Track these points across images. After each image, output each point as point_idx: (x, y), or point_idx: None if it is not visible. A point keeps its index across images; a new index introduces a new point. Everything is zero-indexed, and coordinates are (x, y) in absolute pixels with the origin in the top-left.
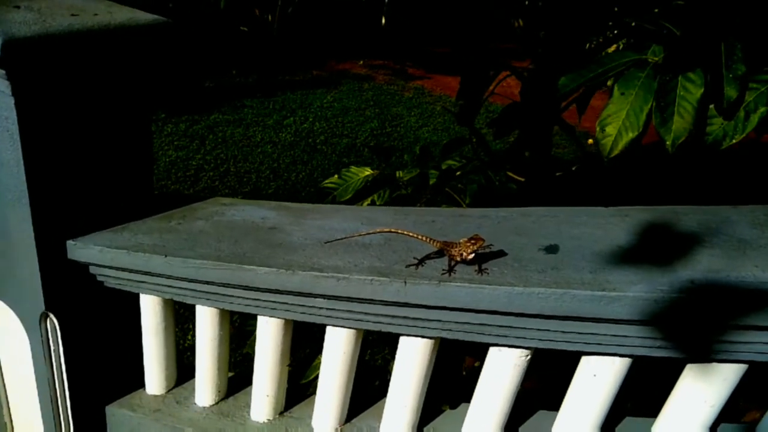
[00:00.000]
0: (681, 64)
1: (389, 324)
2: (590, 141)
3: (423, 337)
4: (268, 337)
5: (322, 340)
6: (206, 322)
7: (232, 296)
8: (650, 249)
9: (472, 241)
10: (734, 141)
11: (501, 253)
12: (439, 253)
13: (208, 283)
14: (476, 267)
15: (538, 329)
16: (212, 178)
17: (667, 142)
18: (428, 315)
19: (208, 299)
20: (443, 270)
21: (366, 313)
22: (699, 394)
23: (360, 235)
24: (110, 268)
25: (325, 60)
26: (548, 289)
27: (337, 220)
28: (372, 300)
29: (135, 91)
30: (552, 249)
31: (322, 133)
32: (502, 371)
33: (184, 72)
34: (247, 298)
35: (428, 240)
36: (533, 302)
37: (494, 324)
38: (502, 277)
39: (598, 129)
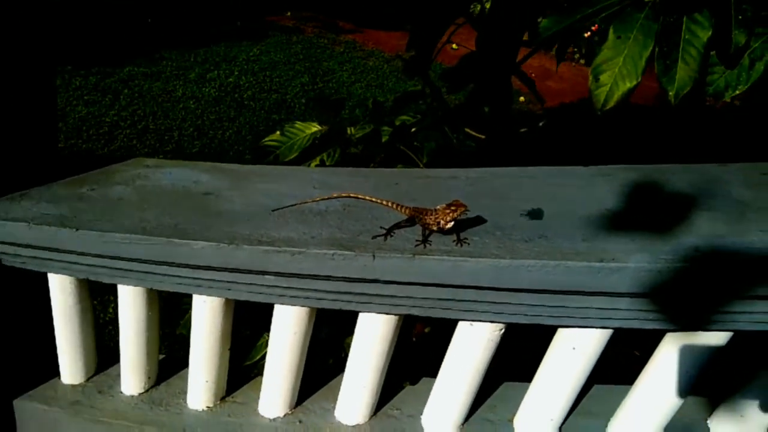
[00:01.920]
0: (686, 3)
1: (351, 302)
2: (521, 99)
3: (389, 314)
4: (206, 318)
5: (268, 316)
6: (130, 303)
7: (161, 274)
8: (643, 212)
9: (452, 208)
10: (737, 92)
11: (479, 220)
12: (410, 222)
13: (131, 260)
14: (454, 236)
15: (522, 304)
16: (129, 136)
17: (670, 93)
18: (398, 291)
19: (131, 278)
20: (416, 241)
21: (324, 291)
22: (680, 362)
23: (314, 201)
24: (7, 244)
25: (250, 10)
26: (539, 261)
27: (284, 183)
28: (333, 277)
29: (29, 18)
30: (535, 214)
31: (249, 87)
32: (473, 347)
33: (91, 18)
34: (180, 276)
35: (395, 206)
36: (522, 276)
37: (474, 300)
38: (485, 248)
39: (591, 78)
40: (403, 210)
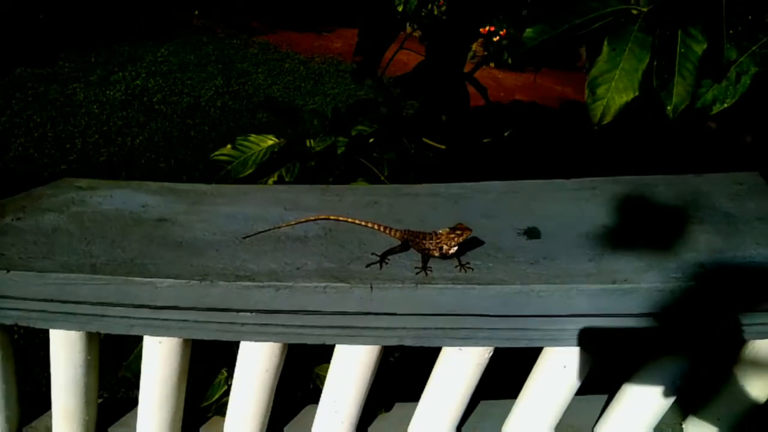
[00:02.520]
0: (677, 17)
1: (338, 336)
2: None
3: (377, 345)
4: (161, 360)
5: (224, 349)
6: (67, 348)
7: (113, 316)
8: (639, 227)
9: (458, 232)
10: (725, 105)
11: (476, 241)
12: (404, 246)
13: (77, 302)
14: (455, 261)
15: (523, 329)
16: (24, 144)
17: (668, 108)
18: (393, 323)
19: (73, 322)
20: (416, 268)
21: (309, 326)
22: (668, 371)
23: (289, 225)
24: None
25: (155, 7)
26: (551, 286)
27: (249, 205)
28: (323, 312)
29: None
30: (532, 233)
31: (158, 90)
32: (461, 372)
33: None
34: (137, 318)
35: (384, 229)
36: (533, 302)
37: (475, 327)
38: (490, 273)
39: (587, 92)
40: (392, 233)
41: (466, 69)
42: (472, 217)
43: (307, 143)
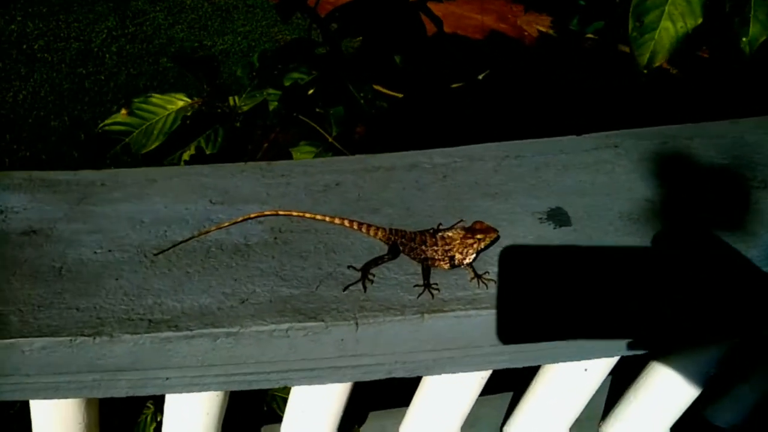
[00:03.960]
0: None
1: (306, 378)
2: None
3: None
4: (58, 422)
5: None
6: None
7: None
8: (690, 198)
9: (478, 236)
10: None
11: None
12: (393, 252)
13: None
14: (470, 271)
15: (555, 348)
16: None
17: (743, 39)
18: (385, 359)
19: None
20: (416, 286)
21: (266, 373)
22: (700, 364)
23: (220, 227)
24: None
25: None
26: None
27: (160, 198)
28: (285, 360)
29: None
30: (559, 217)
31: (40, 36)
32: (461, 389)
33: None
34: (4, 384)
35: (359, 227)
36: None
37: (497, 353)
38: None
39: (631, 23)
40: (373, 232)
41: None
42: (472, 199)
43: (231, 101)
